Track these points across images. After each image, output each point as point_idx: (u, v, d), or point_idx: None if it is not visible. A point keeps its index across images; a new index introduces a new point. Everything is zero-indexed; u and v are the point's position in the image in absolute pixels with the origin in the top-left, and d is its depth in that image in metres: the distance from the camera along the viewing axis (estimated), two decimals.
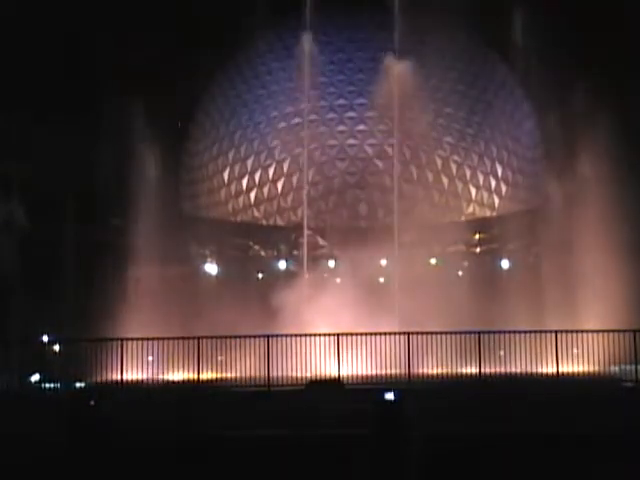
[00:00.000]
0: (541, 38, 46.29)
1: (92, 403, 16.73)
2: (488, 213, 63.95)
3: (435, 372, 32.23)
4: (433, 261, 56.69)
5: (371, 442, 12.81)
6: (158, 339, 31.84)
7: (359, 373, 31.57)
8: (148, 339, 31.72)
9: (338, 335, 31.02)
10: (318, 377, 30.74)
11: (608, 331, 31.32)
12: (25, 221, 48.41)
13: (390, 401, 13.12)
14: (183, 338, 31.59)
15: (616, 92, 44.47)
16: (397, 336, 31.31)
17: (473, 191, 63.71)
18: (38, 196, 49.96)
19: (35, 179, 51.33)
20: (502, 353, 32.87)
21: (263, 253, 62.61)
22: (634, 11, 50.89)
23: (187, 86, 61.95)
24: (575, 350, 31.69)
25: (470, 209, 63.65)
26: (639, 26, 50.49)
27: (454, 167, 63.33)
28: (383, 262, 54.93)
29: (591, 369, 32.19)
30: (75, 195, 50.31)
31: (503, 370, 32.64)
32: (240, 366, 31.85)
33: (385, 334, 31.81)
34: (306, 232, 52.20)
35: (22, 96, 51.85)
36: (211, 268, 56.35)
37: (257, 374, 30.77)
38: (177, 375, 32.65)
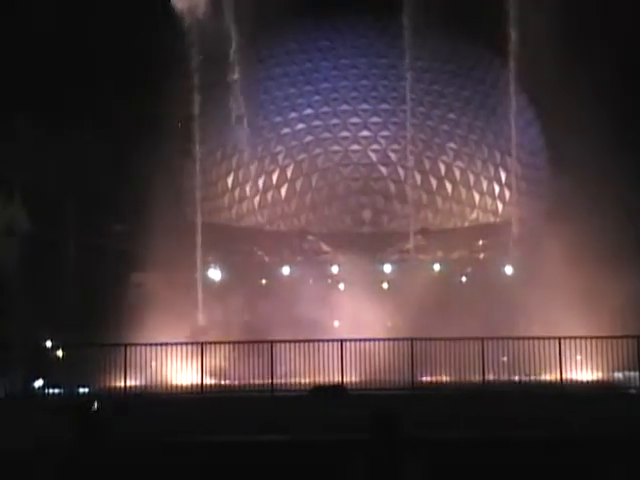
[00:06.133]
0: (544, 43, 46.25)
1: (95, 409, 16.70)
2: (492, 219, 63.84)
3: (438, 378, 32.22)
4: (437, 267, 56.62)
5: (371, 448, 12.78)
6: (161, 344, 31.84)
7: (363, 379, 31.58)
8: (151, 344, 31.73)
9: (342, 341, 31.01)
10: (322, 383, 30.73)
11: (612, 338, 31.30)
12: (28, 225, 48.42)
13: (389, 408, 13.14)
14: (186, 344, 31.59)
15: (617, 93, 44.36)
16: (401, 342, 31.30)
17: (477, 197, 63.64)
18: (40, 200, 49.94)
19: (37, 183, 51.31)
20: (505, 359, 32.86)
21: (267, 259, 62.54)
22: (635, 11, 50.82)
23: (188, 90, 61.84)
24: (579, 357, 31.67)
25: (474, 215, 63.57)
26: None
27: (458, 173, 63.27)
28: (386, 268, 54.93)
29: (595, 376, 32.17)
30: (77, 199, 50.32)
31: (506, 377, 32.62)
32: (244, 372, 31.87)
33: (389, 340, 31.81)
34: (309, 238, 52.20)
35: (22, 98, 51.83)
36: (214, 274, 56.29)
37: (261, 380, 30.80)
38: (180, 380, 32.66)
